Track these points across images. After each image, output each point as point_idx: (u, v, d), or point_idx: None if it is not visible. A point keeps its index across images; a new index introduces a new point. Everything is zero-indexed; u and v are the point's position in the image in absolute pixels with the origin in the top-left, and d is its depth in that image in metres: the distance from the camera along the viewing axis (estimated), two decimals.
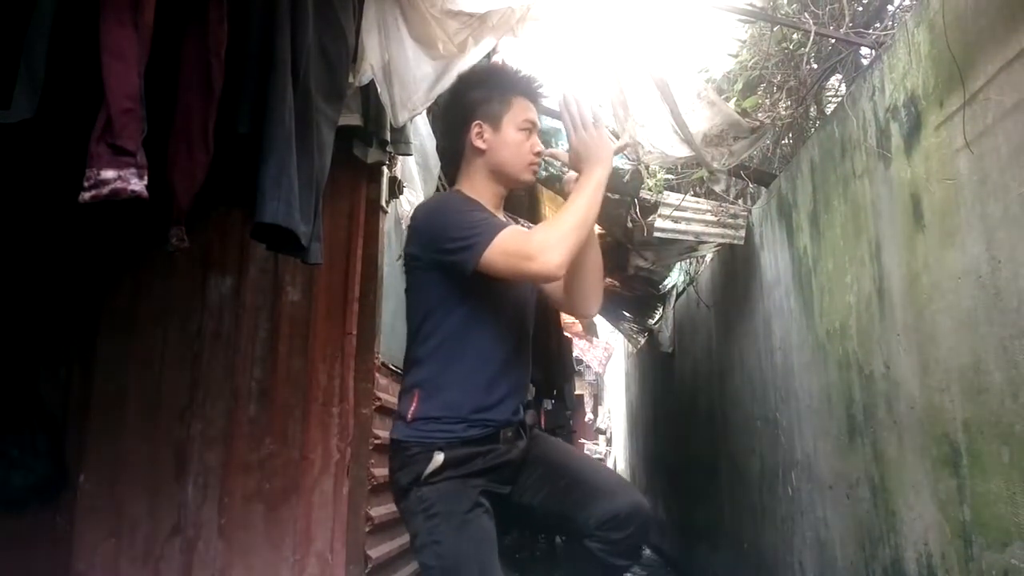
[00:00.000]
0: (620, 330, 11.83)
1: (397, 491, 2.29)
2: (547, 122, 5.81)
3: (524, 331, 2.44)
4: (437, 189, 5.05)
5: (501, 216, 2.42)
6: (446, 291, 2.28)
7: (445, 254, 2.21)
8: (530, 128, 2.41)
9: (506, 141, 2.39)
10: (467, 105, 2.43)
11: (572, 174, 2.38)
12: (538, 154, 2.41)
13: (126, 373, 3.74)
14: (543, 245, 2.09)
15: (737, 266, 5.72)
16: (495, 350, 2.31)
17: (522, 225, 2.46)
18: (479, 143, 2.39)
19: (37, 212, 3.70)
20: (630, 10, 3.80)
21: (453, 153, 2.50)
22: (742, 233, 5.34)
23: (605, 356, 18.61)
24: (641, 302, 9.67)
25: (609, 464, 18.33)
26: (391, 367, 4.00)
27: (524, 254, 2.10)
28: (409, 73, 3.35)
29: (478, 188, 2.42)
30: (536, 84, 2.51)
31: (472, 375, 2.27)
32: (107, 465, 3.65)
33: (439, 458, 2.18)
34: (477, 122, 2.40)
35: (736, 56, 5.37)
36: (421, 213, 2.41)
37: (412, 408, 2.25)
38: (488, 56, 3.61)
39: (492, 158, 2.40)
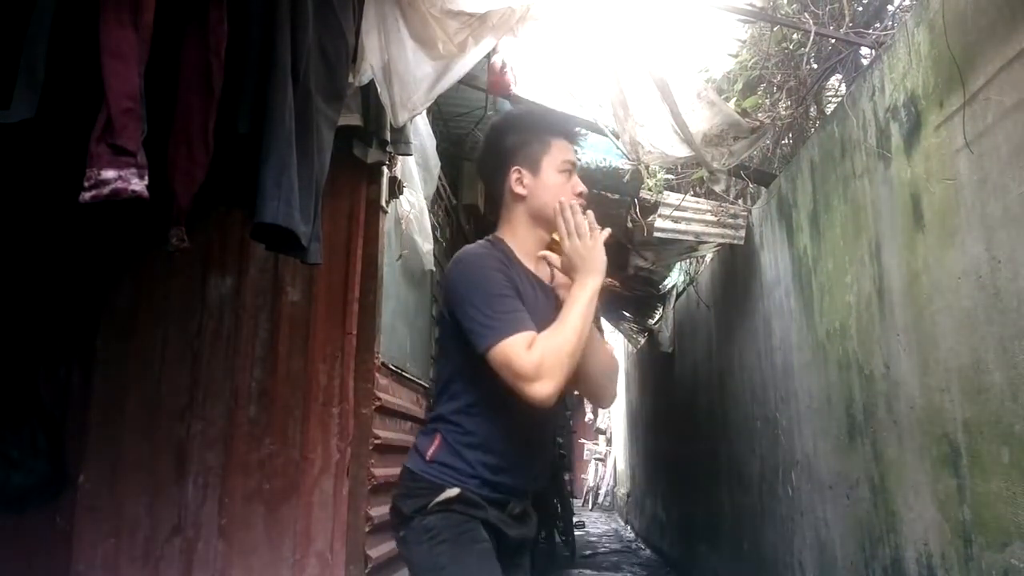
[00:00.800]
0: (620, 330, 11.84)
1: (398, 519, 2.27)
2: None
3: (546, 418, 2.38)
4: (437, 189, 5.06)
5: (540, 272, 2.38)
6: (472, 359, 2.19)
7: (465, 320, 2.17)
8: (570, 169, 2.35)
9: (546, 184, 2.33)
10: (504, 151, 2.38)
11: (562, 278, 2.32)
12: (580, 195, 2.34)
13: (126, 373, 3.74)
14: (539, 370, 2.04)
15: (737, 266, 5.72)
16: (515, 432, 2.26)
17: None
18: (519, 189, 2.34)
19: (38, 212, 3.70)
20: (630, 10, 3.80)
21: (493, 200, 2.46)
22: (742, 233, 5.34)
23: None
24: (641, 302, 9.68)
25: (609, 464, 18.34)
26: (391, 367, 4.00)
27: (522, 374, 2.04)
28: (409, 73, 3.35)
29: (520, 235, 2.37)
30: (573, 125, 2.50)
31: (491, 449, 2.23)
32: (107, 465, 3.65)
33: (453, 492, 2.16)
34: (516, 167, 2.34)
35: (736, 56, 5.37)
36: (456, 269, 2.29)
37: (432, 448, 2.23)
38: (488, 56, 3.61)
39: (533, 203, 2.35)
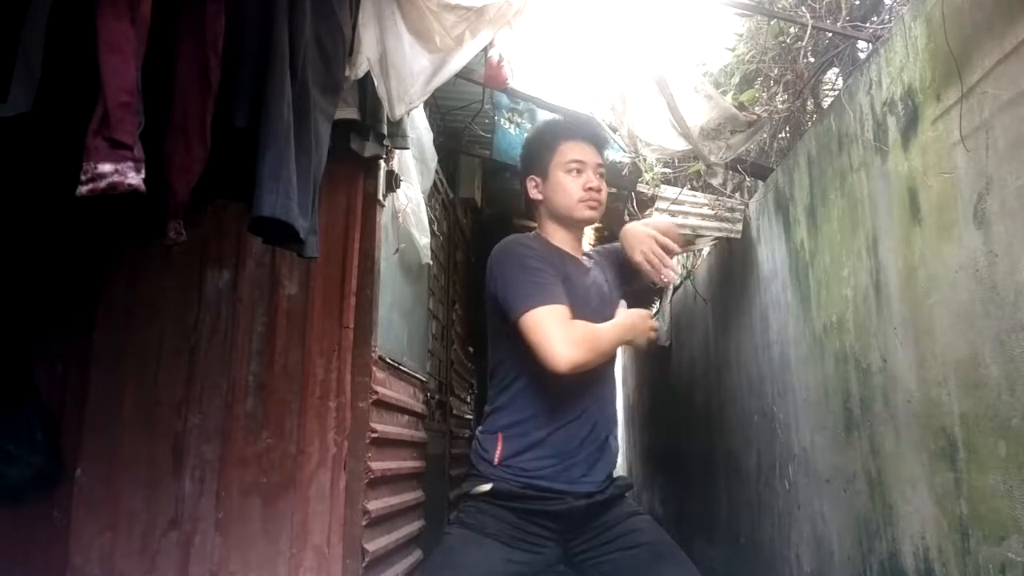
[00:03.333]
0: None
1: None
2: (544, 116, 5.81)
3: (603, 395, 2.50)
4: (434, 183, 5.05)
5: (583, 260, 2.59)
6: (514, 343, 2.36)
7: (501, 293, 2.35)
8: (578, 167, 2.50)
9: (554, 186, 2.51)
10: (522, 164, 2.62)
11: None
12: (591, 189, 2.48)
13: (123, 367, 3.73)
14: (574, 344, 2.21)
15: (734, 260, 5.72)
16: (564, 416, 2.38)
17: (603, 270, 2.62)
18: (535, 194, 2.56)
19: (34, 206, 3.69)
20: (627, 4, 3.79)
21: (529, 211, 2.67)
22: (739, 227, 5.34)
23: None
24: (638, 295, 9.67)
25: None
26: (388, 361, 4.00)
27: (555, 339, 2.20)
28: (406, 66, 3.35)
29: (551, 233, 2.57)
30: (589, 125, 2.67)
31: (547, 433, 2.35)
32: (104, 459, 3.65)
33: (486, 487, 2.31)
34: (531, 176, 2.57)
35: (733, 50, 5.37)
36: (495, 255, 2.47)
37: (498, 451, 2.35)
38: (485, 50, 3.60)
39: (549, 206, 2.55)
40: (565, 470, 2.32)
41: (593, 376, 2.38)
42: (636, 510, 2.47)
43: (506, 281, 2.33)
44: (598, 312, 2.42)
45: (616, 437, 2.53)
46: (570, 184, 2.48)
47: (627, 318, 2.42)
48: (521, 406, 2.38)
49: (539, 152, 2.56)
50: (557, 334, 2.20)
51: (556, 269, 2.39)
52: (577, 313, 2.30)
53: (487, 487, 2.30)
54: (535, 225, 2.63)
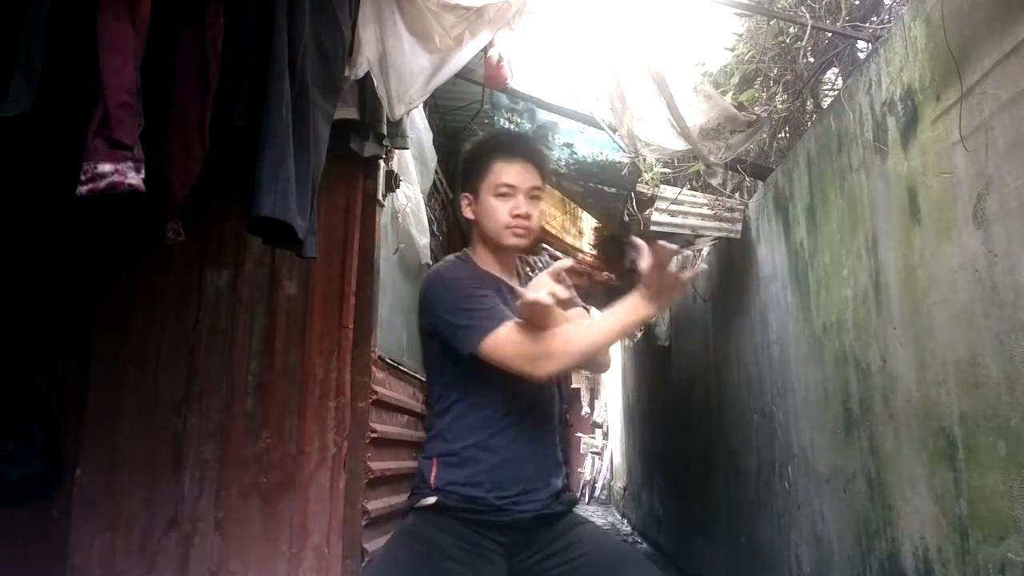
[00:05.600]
0: None
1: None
2: (543, 115, 5.82)
3: (541, 414, 2.42)
4: (433, 183, 5.05)
5: (514, 283, 2.43)
6: (449, 364, 2.33)
7: (444, 329, 2.27)
8: (508, 191, 2.37)
9: (484, 209, 2.40)
10: (460, 176, 2.51)
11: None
12: (519, 216, 2.36)
13: (122, 367, 3.73)
14: (549, 354, 2.13)
15: (733, 260, 5.72)
16: (505, 434, 2.32)
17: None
18: (468, 213, 2.46)
19: (34, 206, 3.69)
20: (627, 3, 3.79)
21: (465, 223, 2.58)
22: (739, 227, 5.34)
23: None
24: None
25: (606, 458, 18.36)
26: (388, 360, 4.00)
27: (530, 355, 2.13)
28: (405, 67, 3.35)
29: (480, 254, 2.46)
30: (520, 142, 2.54)
31: (483, 459, 2.29)
32: (103, 459, 3.65)
33: (431, 500, 2.27)
34: (464, 194, 2.46)
35: (733, 50, 5.37)
36: (430, 282, 2.41)
37: (433, 475, 2.30)
38: (484, 50, 3.60)
39: (480, 227, 2.44)
40: (505, 493, 2.27)
41: (532, 395, 2.35)
42: (581, 520, 2.42)
43: (448, 313, 2.26)
44: None
45: (557, 446, 2.46)
46: (498, 209, 2.37)
47: (638, 311, 2.21)
48: (457, 434, 2.32)
49: (473, 170, 2.44)
50: (516, 358, 2.14)
51: (489, 289, 2.33)
52: None
53: (432, 500, 2.25)
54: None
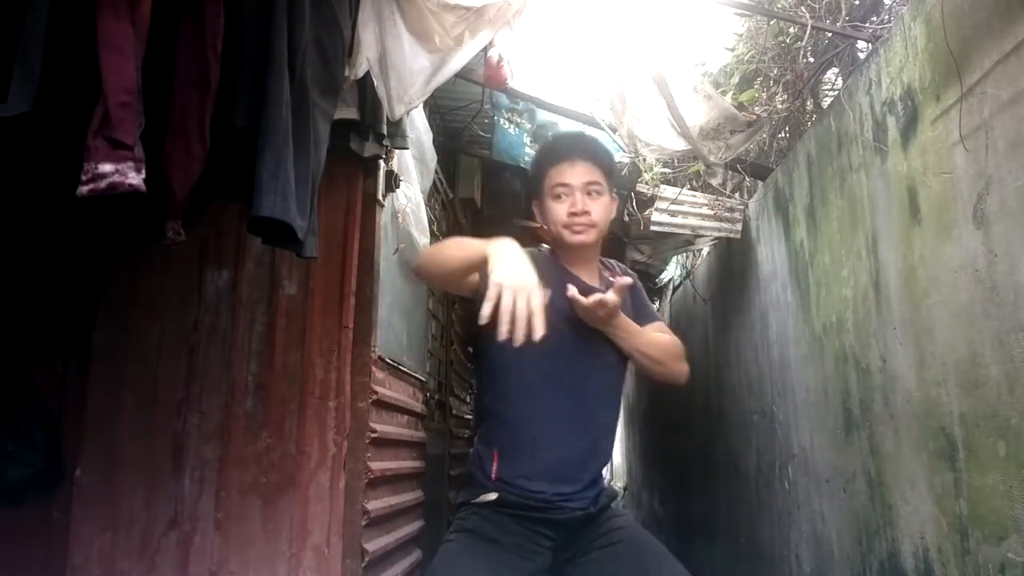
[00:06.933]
0: None
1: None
2: (543, 115, 5.82)
3: (584, 411, 2.43)
4: (433, 183, 5.05)
5: (594, 277, 2.52)
6: (499, 355, 2.37)
7: None
8: (563, 191, 2.43)
9: (546, 214, 2.48)
10: (532, 191, 2.59)
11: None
12: (574, 213, 2.41)
13: (122, 367, 3.73)
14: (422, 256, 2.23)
15: (734, 260, 5.72)
16: (570, 429, 2.37)
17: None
18: (540, 219, 2.54)
19: (35, 206, 3.69)
20: (627, 4, 3.79)
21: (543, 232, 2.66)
22: (739, 227, 5.35)
23: None
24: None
25: None
26: (388, 361, 4.00)
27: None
28: (405, 66, 3.35)
29: (561, 257, 2.51)
30: (571, 141, 2.61)
31: (546, 454, 2.34)
32: (103, 459, 3.65)
33: (491, 496, 2.31)
34: (534, 200, 2.55)
35: (732, 50, 5.38)
36: None
37: (494, 467, 2.35)
38: (484, 50, 3.60)
39: (549, 232, 2.51)
40: (562, 489, 2.32)
41: (594, 394, 2.42)
42: (618, 512, 2.48)
43: None
44: (568, 339, 2.34)
45: (607, 438, 2.51)
46: (556, 210, 2.43)
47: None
48: (517, 426, 2.37)
49: (535, 177, 2.53)
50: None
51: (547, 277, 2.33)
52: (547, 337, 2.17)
53: (492, 496, 2.30)
54: (536, 226, 2.64)
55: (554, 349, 2.23)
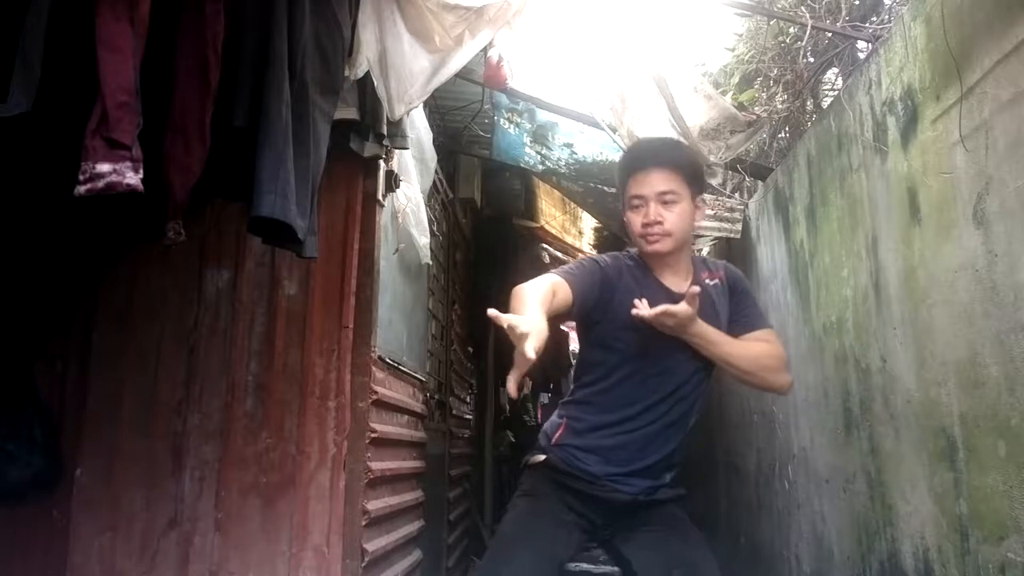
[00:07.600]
0: None
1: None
2: (543, 115, 5.82)
3: (676, 414, 2.57)
4: (433, 183, 5.05)
5: (681, 281, 2.58)
6: (589, 350, 2.60)
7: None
8: (638, 202, 2.51)
9: (627, 223, 2.57)
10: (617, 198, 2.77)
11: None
12: (647, 224, 2.48)
13: (122, 367, 3.73)
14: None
15: (734, 260, 5.69)
16: (638, 419, 2.51)
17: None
18: (626, 228, 2.63)
19: (33, 206, 3.69)
20: (627, 4, 3.79)
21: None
22: (739, 227, 5.34)
23: None
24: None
25: None
26: (388, 361, 4.00)
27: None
28: (405, 66, 3.35)
29: (643, 257, 2.61)
30: (644, 151, 2.69)
31: (608, 435, 2.51)
32: (103, 459, 3.65)
33: (540, 457, 2.56)
34: (622, 210, 2.62)
35: (733, 50, 5.38)
36: None
37: (558, 434, 2.58)
38: (484, 50, 3.60)
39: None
40: (612, 471, 2.46)
41: (673, 395, 2.53)
42: (679, 514, 2.67)
43: None
44: (651, 338, 2.43)
45: (676, 434, 2.61)
46: (633, 222, 2.52)
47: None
48: (595, 405, 2.53)
49: (619, 188, 2.63)
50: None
51: (609, 279, 2.48)
52: (624, 337, 2.46)
53: (542, 457, 2.51)
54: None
55: (638, 349, 2.44)
